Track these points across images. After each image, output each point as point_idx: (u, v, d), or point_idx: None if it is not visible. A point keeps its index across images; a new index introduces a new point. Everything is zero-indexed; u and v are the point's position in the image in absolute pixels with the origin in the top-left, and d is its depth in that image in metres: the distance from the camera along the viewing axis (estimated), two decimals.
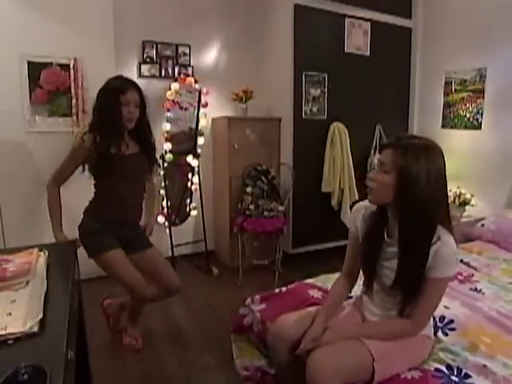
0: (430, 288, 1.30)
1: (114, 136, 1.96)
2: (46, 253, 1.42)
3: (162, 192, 3.52)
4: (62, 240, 1.99)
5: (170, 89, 3.44)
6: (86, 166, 1.99)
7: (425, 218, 1.27)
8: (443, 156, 1.31)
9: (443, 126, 3.90)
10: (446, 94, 3.85)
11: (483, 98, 3.50)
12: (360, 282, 1.57)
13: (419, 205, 1.25)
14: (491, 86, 3.45)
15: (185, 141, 3.57)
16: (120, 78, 2.05)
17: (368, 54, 3.82)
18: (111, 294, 2.51)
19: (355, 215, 1.54)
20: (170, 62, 3.56)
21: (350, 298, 1.67)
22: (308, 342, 1.34)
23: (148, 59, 3.48)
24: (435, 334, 1.54)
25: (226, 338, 2.04)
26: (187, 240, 3.82)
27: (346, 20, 3.66)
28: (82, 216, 2.10)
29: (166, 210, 3.52)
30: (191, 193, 3.72)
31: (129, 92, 1.95)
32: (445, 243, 1.27)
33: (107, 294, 2.51)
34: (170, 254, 3.46)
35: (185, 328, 2.59)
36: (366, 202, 1.48)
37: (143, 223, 2.30)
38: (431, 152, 1.28)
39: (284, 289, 1.98)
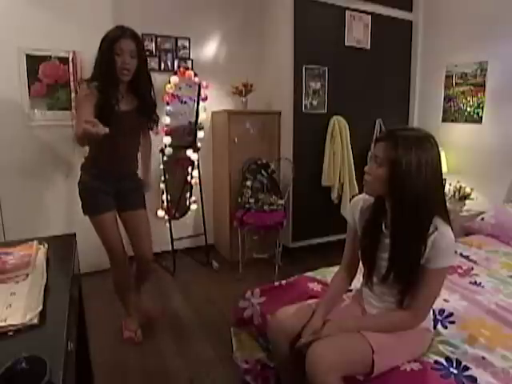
0: (428, 279, 1.31)
1: (110, 88, 1.90)
2: (46, 246, 1.42)
3: (162, 186, 3.52)
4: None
5: (169, 82, 3.43)
6: None
7: (419, 209, 1.27)
8: (437, 146, 1.31)
9: (444, 120, 3.89)
10: (447, 88, 3.84)
11: (484, 91, 3.49)
12: (360, 274, 1.58)
13: (412, 196, 1.25)
14: (492, 80, 3.43)
15: (184, 135, 3.56)
16: (118, 26, 1.96)
17: (369, 47, 3.80)
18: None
19: (353, 208, 1.55)
20: (169, 55, 3.54)
21: (350, 290, 1.67)
22: (308, 335, 1.34)
23: (147, 52, 3.45)
24: (435, 326, 1.55)
25: (226, 331, 2.05)
26: (187, 234, 3.82)
27: (347, 13, 3.64)
28: (80, 172, 2.12)
29: (165, 203, 3.51)
30: (191, 187, 3.72)
31: (122, 40, 1.88)
32: (442, 234, 1.28)
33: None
34: (170, 247, 3.46)
35: (185, 321, 2.59)
36: (363, 195, 1.49)
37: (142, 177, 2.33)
38: (422, 143, 1.27)
39: (284, 282, 1.99)
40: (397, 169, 1.25)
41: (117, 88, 1.96)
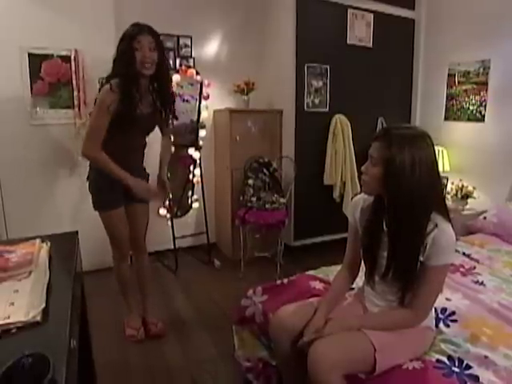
0: (429, 276, 1.31)
1: (131, 85, 1.89)
2: (49, 244, 1.42)
3: None
4: (140, 183, 2.09)
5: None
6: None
7: (414, 207, 1.27)
8: (433, 145, 1.31)
9: (446, 119, 3.87)
10: (450, 86, 3.82)
11: (487, 90, 3.48)
12: (362, 273, 1.58)
13: (407, 194, 1.26)
14: (495, 79, 3.42)
15: (186, 133, 3.56)
16: (134, 24, 1.97)
17: (371, 45, 3.79)
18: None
19: (354, 208, 1.55)
20: (171, 53, 3.53)
21: (352, 289, 1.67)
22: (310, 333, 1.34)
23: None
24: (437, 325, 1.55)
25: (227, 329, 2.05)
26: (189, 232, 3.82)
27: (349, 11, 3.63)
28: (88, 169, 2.15)
29: (167, 202, 3.51)
30: (193, 185, 3.72)
31: (141, 35, 1.89)
32: (442, 231, 1.28)
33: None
34: (172, 246, 3.47)
35: (187, 320, 2.60)
36: (363, 195, 1.50)
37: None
38: (417, 141, 1.28)
39: (286, 280, 1.98)
40: (391, 167, 1.26)
41: (138, 85, 1.95)
